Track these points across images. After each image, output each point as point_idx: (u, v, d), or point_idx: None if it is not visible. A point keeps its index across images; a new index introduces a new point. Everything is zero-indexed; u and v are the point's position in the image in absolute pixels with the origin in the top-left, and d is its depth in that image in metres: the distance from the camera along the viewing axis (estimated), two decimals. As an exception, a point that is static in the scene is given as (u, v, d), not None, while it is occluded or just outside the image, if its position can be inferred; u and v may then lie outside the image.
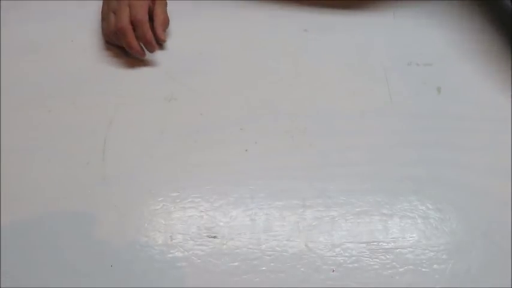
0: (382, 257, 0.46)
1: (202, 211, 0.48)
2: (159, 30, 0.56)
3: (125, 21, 0.54)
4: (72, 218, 0.47)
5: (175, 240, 0.46)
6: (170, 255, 0.46)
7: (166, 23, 0.58)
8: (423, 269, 0.46)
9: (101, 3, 0.59)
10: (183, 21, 0.61)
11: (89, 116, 0.53)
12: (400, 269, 0.46)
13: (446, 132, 0.54)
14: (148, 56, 0.57)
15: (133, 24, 0.54)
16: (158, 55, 0.58)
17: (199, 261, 0.45)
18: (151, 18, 0.56)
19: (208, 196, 0.49)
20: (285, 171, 0.51)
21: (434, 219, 0.49)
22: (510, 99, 0.57)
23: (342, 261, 0.46)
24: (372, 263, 0.46)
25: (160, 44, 0.58)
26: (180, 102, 0.55)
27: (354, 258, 0.46)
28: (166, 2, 0.59)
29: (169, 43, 0.59)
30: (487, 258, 0.47)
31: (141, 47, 0.55)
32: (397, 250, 0.47)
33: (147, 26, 0.54)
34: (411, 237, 0.47)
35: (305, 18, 0.62)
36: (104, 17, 0.57)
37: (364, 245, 0.47)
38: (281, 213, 0.48)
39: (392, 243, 0.47)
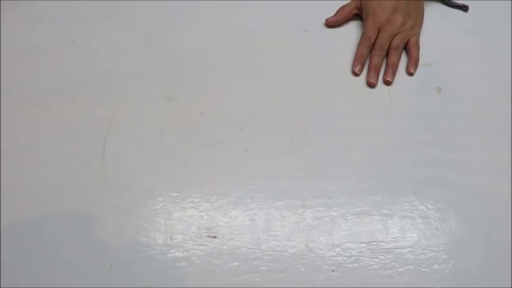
0: (382, 257, 0.46)
1: (202, 211, 0.48)
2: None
3: None
4: (72, 218, 0.47)
5: (175, 240, 0.46)
6: (170, 255, 0.46)
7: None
8: (423, 269, 0.46)
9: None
10: (183, 21, 0.61)
11: (89, 116, 0.53)
12: (400, 269, 0.46)
13: (446, 132, 0.54)
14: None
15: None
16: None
17: (199, 261, 0.45)
18: None
19: (208, 196, 0.49)
20: (285, 171, 0.51)
21: (434, 219, 0.49)
22: (510, 99, 0.57)
23: (342, 261, 0.46)
24: (371, 263, 0.46)
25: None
26: (180, 102, 0.55)
27: (354, 258, 0.46)
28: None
29: (169, 43, 0.59)
30: (487, 258, 0.47)
31: None
32: (397, 250, 0.47)
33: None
34: (411, 237, 0.47)
35: (305, 18, 0.62)
36: None
37: (364, 245, 0.47)
38: (281, 213, 0.48)
39: (392, 243, 0.47)
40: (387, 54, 0.58)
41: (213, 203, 0.49)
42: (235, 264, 0.45)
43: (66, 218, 0.47)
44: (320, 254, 0.46)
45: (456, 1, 0.64)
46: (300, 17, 0.62)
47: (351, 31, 0.62)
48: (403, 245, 0.47)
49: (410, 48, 0.59)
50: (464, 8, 0.64)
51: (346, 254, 0.46)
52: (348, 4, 0.62)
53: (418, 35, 0.60)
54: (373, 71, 0.57)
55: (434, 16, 0.63)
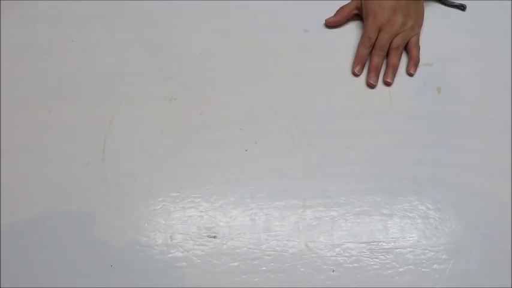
0: (382, 257, 0.46)
1: (202, 211, 0.48)
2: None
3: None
4: (72, 218, 0.47)
5: (175, 240, 0.46)
6: (170, 255, 0.46)
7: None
8: (423, 269, 0.46)
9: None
10: (183, 21, 0.61)
11: (89, 116, 0.53)
12: (400, 269, 0.46)
13: (446, 132, 0.54)
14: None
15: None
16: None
17: (199, 261, 0.45)
18: None
19: (208, 196, 0.49)
20: (285, 171, 0.51)
21: (434, 219, 0.49)
22: (510, 99, 0.57)
23: (342, 261, 0.46)
24: (371, 263, 0.46)
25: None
26: (180, 102, 0.55)
27: (354, 258, 0.46)
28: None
29: (169, 43, 0.59)
30: (487, 258, 0.47)
31: None
32: (397, 250, 0.47)
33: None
34: (411, 237, 0.47)
35: (305, 18, 0.62)
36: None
37: (364, 245, 0.47)
38: (281, 213, 0.48)
39: (392, 243, 0.47)
40: (387, 55, 0.58)
41: (213, 203, 0.49)
42: (235, 264, 0.45)
43: (66, 218, 0.47)
44: (320, 254, 0.46)
45: (454, 0, 0.64)
46: (300, 17, 0.62)
47: (351, 31, 0.62)
48: (403, 245, 0.47)
49: (410, 48, 0.59)
50: (461, 8, 0.64)
51: (346, 254, 0.46)
52: (348, 4, 0.62)
53: (418, 35, 0.60)
54: (373, 72, 0.57)
55: (434, 16, 0.63)
